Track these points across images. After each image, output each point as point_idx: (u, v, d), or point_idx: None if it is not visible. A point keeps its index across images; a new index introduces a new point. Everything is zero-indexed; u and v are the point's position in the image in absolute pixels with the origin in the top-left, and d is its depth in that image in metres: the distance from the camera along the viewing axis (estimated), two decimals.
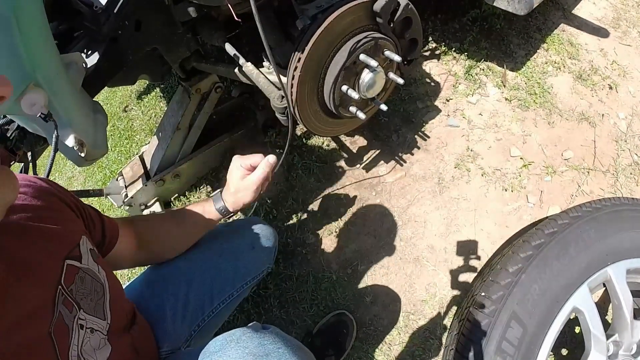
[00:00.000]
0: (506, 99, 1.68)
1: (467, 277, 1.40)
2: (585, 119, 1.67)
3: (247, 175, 0.98)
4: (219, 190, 1.05)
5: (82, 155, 0.98)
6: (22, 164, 1.02)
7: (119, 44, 1.07)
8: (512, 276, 1.14)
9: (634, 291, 1.36)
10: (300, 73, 1.08)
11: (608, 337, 1.18)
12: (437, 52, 1.80)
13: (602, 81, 1.78)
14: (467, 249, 1.43)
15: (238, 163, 0.99)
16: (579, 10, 2.01)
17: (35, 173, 0.82)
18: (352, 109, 1.20)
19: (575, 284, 1.14)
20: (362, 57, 1.11)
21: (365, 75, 1.15)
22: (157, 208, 1.63)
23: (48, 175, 0.81)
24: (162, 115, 1.95)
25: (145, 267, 1.05)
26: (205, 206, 1.00)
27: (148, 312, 0.94)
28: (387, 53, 1.17)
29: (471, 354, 1.10)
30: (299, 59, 1.07)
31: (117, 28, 1.04)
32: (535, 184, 1.53)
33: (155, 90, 2.02)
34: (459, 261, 1.42)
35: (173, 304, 0.97)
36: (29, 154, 1.02)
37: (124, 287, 0.99)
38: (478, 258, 1.42)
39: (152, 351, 0.91)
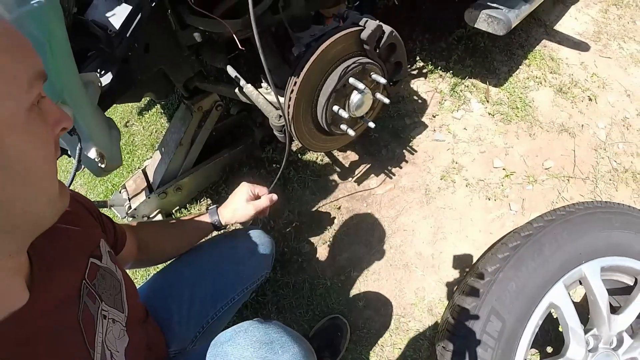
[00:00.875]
0: (489, 114, 1.82)
1: (453, 280, 1.52)
2: (565, 130, 1.81)
3: (250, 200, 1.17)
4: (215, 205, 1.18)
5: (102, 166, 1.09)
6: None
7: (129, 64, 1.18)
8: (490, 275, 1.25)
9: (612, 288, 1.48)
10: (296, 95, 1.21)
11: (587, 331, 1.28)
12: (425, 70, 1.94)
13: (582, 93, 1.92)
14: (452, 254, 1.56)
15: (247, 189, 1.19)
16: (561, 26, 2.15)
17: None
18: (343, 126, 1.33)
19: (551, 282, 1.24)
20: (351, 80, 1.25)
21: (354, 97, 1.29)
22: (159, 218, 1.75)
23: (70, 185, 0.86)
24: (162, 131, 2.08)
25: (150, 270, 1.16)
26: (201, 218, 1.14)
27: (156, 316, 1.02)
28: (374, 76, 1.30)
29: (454, 348, 1.21)
30: (295, 82, 1.20)
31: (128, 50, 1.13)
32: (518, 192, 1.66)
33: (155, 107, 2.15)
34: (445, 266, 1.54)
35: (178, 308, 1.05)
36: None
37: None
38: (463, 264, 1.54)
39: (163, 349, 1.00)
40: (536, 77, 1.94)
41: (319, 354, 1.42)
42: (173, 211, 1.80)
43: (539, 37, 2.10)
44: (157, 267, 1.75)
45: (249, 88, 1.40)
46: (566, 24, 2.18)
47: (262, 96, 1.39)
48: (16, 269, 0.54)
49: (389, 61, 1.37)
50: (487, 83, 1.88)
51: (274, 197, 1.20)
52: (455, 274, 1.53)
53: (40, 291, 0.56)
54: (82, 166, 1.20)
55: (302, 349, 0.84)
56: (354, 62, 1.25)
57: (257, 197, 1.20)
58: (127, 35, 1.09)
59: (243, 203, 1.17)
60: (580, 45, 2.10)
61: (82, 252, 0.71)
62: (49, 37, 0.79)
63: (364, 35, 1.24)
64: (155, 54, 1.24)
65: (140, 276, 1.73)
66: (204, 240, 1.19)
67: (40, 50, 0.78)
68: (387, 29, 1.28)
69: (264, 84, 1.45)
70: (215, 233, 1.20)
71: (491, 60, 1.96)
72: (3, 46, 0.45)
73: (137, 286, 1.12)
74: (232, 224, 1.16)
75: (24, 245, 0.55)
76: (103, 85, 1.12)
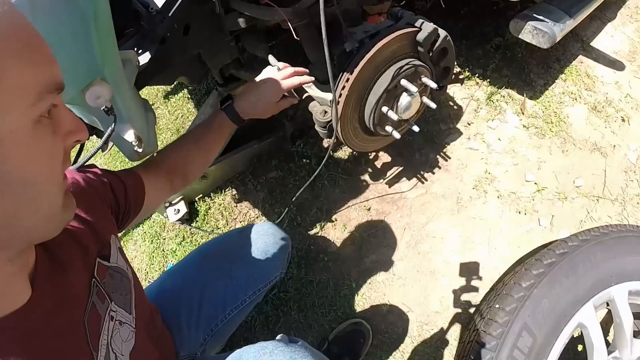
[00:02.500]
0: (524, 126, 1.83)
1: (479, 292, 1.53)
2: (597, 149, 1.82)
3: (276, 99, 1.09)
4: (230, 101, 1.09)
5: (140, 150, 1.04)
6: None
7: (166, 45, 1.14)
8: (524, 290, 1.26)
9: (635, 312, 1.52)
10: (348, 92, 1.22)
11: (609, 353, 1.29)
12: (461, 76, 1.95)
13: (615, 113, 1.93)
14: (480, 266, 1.57)
15: (274, 84, 1.09)
16: (597, 43, 2.16)
17: (77, 159, 0.84)
18: (388, 128, 1.34)
19: (582, 301, 1.26)
20: (403, 82, 1.26)
21: (404, 99, 1.30)
22: (181, 206, 1.74)
23: (86, 163, 0.82)
24: (189, 116, 2.07)
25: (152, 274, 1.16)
26: (220, 122, 1.07)
27: (165, 318, 1.00)
28: (424, 79, 1.31)
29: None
30: (348, 79, 1.21)
31: (168, 30, 1.10)
32: (548, 208, 1.68)
33: (182, 91, 2.14)
34: (472, 277, 1.55)
35: (187, 312, 1.03)
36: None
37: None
38: (490, 275, 1.55)
39: (172, 354, 0.98)
40: (572, 93, 1.96)
41: (339, 358, 1.42)
42: (196, 199, 1.80)
43: (575, 52, 2.11)
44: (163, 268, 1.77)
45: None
46: (602, 41, 2.19)
47: (305, 90, 1.39)
48: (17, 271, 0.52)
49: (439, 65, 1.38)
50: (524, 95, 1.89)
51: (295, 100, 1.15)
52: (482, 285, 1.54)
53: (44, 290, 0.55)
54: (108, 148, 1.18)
55: None
56: (407, 64, 1.26)
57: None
58: (169, 14, 1.07)
59: (268, 101, 1.09)
60: (615, 64, 2.12)
61: (90, 250, 0.69)
62: (94, 9, 0.75)
63: (420, 37, 1.25)
64: (194, 36, 1.21)
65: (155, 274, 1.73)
66: (214, 237, 1.17)
67: (85, 22, 0.76)
68: (442, 32, 1.29)
69: None
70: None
71: (528, 72, 1.98)
72: (12, 50, 0.40)
73: (146, 285, 1.12)
74: (252, 117, 1.09)
75: (24, 251, 0.53)
76: (140, 64, 1.08)
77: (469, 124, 1.82)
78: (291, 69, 1.14)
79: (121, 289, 0.75)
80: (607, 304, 1.33)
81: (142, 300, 0.85)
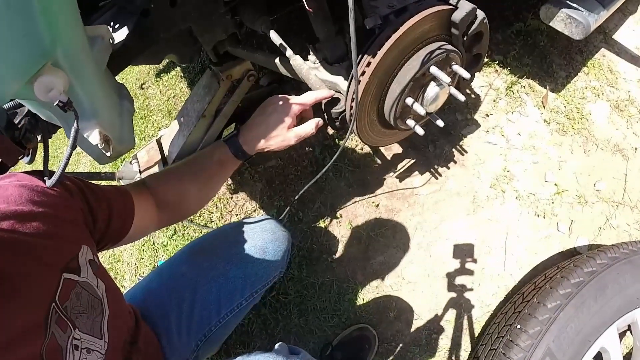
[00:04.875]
0: (545, 121, 1.65)
1: (494, 301, 1.38)
2: (619, 151, 1.66)
3: (291, 125, 0.90)
4: (233, 132, 0.92)
5: (108, 154, 0.82)
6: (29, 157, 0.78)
7: (150, 18, 0.94)
8: (550, 312, 1.15)
9: None
10: (368, 79, 1.00)
11: None
12: None
13: (638, 114, 1.76)
14: (495, 272, 1.41)
15: (288, 110, 0.89)
16: (619, 36, 1.98)
17: (46, 168, 0.65)
18: (410, 122, 1.14)
19: (606, 325, 1.16)
20: (433, 69, 1.05)
21: (431, 89, 1.09)
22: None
23: (60, 177, 0.63)
24: (182, 97, 1.85)
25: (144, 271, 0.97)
26: (220, 154, 0.91)
27: (153, 323, 0.89)
28: (455, 67, 1.11)
29: None
30: (369, 63, 0.99)
31: (150, 1, 0.91)
32: (567, 212, 1.52)
33: (175, 69, 1.90)
34: (486, 284, 1.40)
35: (177, 315, 0.92)
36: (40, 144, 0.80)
37: (127, 291, 0.96)
38: (505, 284, 1.40)
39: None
40: (594, 88, 1.77)
41: None
42: None
43: (597, 45, 1.92)
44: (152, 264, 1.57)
45: (297, 61, 1.17)
46: (624, 35, 2.00)
47: (314, 73, 1.16)
48: None
49: (471, 51, 1.17)
50: (547, 87, 1.69)
51: (320, 121, 0.92)
52: (496, 294, 1.39)
53: None
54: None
55: None
56: (439, 47, 1.05)
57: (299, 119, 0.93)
58: None
59: (280, 129, 0.88)
60: (637, 61, 1.94)
61: (54, 266, 0.58)
62: None
63: (456, 17, 1.03)
64: (183, 7, 1.00)
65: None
66: (207, 231, 1.04)
67: None
68: (480, 14, 1.08)
69: (311, 57, 1.23)
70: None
71: (550, 62, 1.78)
72: None
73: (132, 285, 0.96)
74: (257, 152, 0.91)
75: None
76: (116, 42, 0.88)
77: (488, 115, 1.63)
78: (311, 128, 0.92)
79: (89, 312, 0.63)
80: (630, 326, 1.24)
81: (121, 317, 0.74)
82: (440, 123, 1.17)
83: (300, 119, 0.94)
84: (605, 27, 1.98)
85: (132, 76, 1.95)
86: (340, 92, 1.10)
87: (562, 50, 1.83)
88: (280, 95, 0.93)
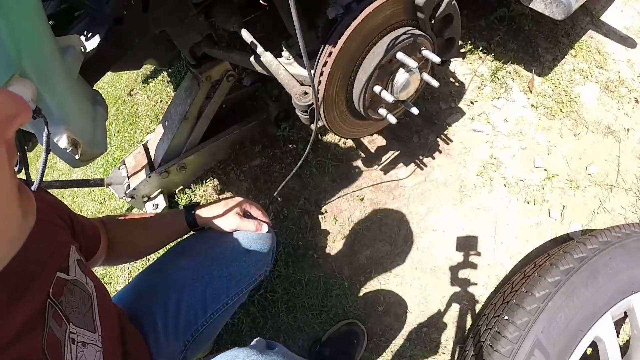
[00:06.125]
0: (532, 106, 1.58)
1: (484, 291, 1.32)
2: (610, 133, 1.58)
3: (238, 214, 0.97)
4: (195, 202, 1.04)
5: (77, 157, 0.85)
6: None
7: (124, 25, 0.95)
8: (538, 302, 1.09)
9: None
10: (330, 69, 0.96)
11: None
12: (463, 50, 1.69)
13: (628, 94, 1.68)
14: (485, 262, 1.34)
15: (241, 204, 0.99)
16: (607, 17, 1.89)
17: (27, 175, 0.67)
18: (382, 111, 1.09)
19: (600, 313, 1.10)
20: (400, 55, 1.00)
21: (400, 76, 1.04)
22: (160, 200, 1.52)
23: (40, 181, 0.66)
24: (168, 101, 1.83)
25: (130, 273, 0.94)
26: (175, 216, 0.99)
27: (139, 324, 0.88)
28: (425, 52, 1.05)
29: None
30: (330, 52, 0.95)
31: (122, 8, 0.91)
32: (558, 197, 1.44)
33: (162, 74, 1.89)
34: (476, 275, 1.33)
35: (164, 316, 0.90)
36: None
37: (114, 294, 0.96)
38: (496, 273, 1.33)
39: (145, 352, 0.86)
40: (582, 70, 1.69)
41: None
42: (176, 191, 1.56)
43: (585, 27, 1.84)
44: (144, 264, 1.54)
45: (267, 57, 1.15)
46: (612, 16, 1.92)
47: (284, 67, 1.12)
48: None
49: (442, 36, 1.11)
50: (533, 71, 1.62)
51: (265, 228, 0.98)
52: (487, 284, 1.33)
53: (1, 321, 0.48)
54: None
55: None
56: (404, 33, 1.00)
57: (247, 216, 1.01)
58: None
59: (228, 212, 0.97)
60: (626, 41, 1.86)
61: (47, 266, 0.60)
62: None
63: (420, 0, 0.97)
64: (156, 13, 1.00)
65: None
66: (194, 233, 1.01)
67: None
68: None
69: (284, 53, 1.20)
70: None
71: (535, 46, 1.71)
72: None
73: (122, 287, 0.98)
74: (207, 226, 0.98)
75: None
76: (88, 50, 0.90)
77: (472, 103, 1.57)
78: (251, 226, 0.98)
79: (80, 307, 0.66)
80: (626, 313, 1.18)
81: (109, 314, 0.74)
82: (414, 110, 1.12)
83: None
84: (592, 8, 1.90)
85: (120, 83, 1.94)
86: (309, 85, 1.06)
87: (548, 34, 1.76)
88: (243, 208, 0.99)
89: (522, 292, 1.11)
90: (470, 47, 1.69)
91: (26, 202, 0.44)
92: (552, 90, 1.62)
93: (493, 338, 1.09)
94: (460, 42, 1.71)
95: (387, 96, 1.01)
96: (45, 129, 0.63)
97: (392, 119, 1.07)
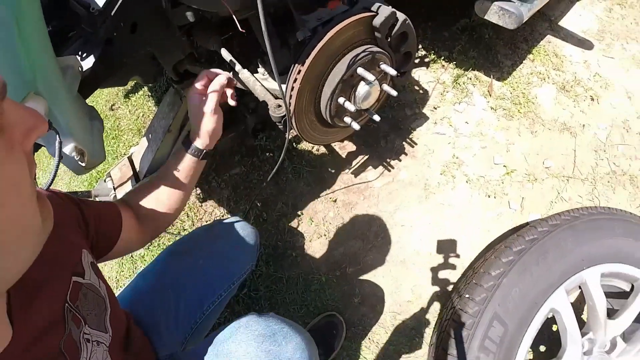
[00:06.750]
0: (492, 108, 1.83)
1: (450, 279, 1.55)
2: (567, 129, 1.84)
3: (210, 108, 1.01)
4: (185, 136, 1.06)
5: (83, 164, 0.99)
6: None
7: (114, 46, 1.10)
8: (494, 279, 1.28)
9: (608, 292, 1.53)
10: (300, 85, 1.19)
11: (583, 335, 1.32)
12: (427, 59, 1.94)
13: (584, 92, 1.95)
14: (450, 252, 1.58)
15: (207, 99, 1.01)
16: (566, 22, 2.17)
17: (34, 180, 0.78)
18: (347, 119, 1.32)
19: (553, 287, 1.28)
20: (360, 70, 1.23)
21: (361, 88, 1.28)
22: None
23: (50, 185, 0.76)
24: (150, 115, 2.03)
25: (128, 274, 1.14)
26: (180, 157, 1.02)
27: (141, 322, 0.99)
28: (383, 66, 1.29)
29: (455, 352, 1.24)
30: (299, 71, 1.19)
31: (113, 30, 1.06)
32: (517, 190, 1.69)
33: (143, 89, 2.09)
34: (443, 264, 1.57)
35: (165, 314, 1.02)
36: None
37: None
38: (461, 261, 1.57)
39: (150, 356, 0.97)
40: (540, 73, 1.96)
41: None
42: None
43: (543, 32, 2.11)
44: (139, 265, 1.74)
45: (245, 74, 1.37)
46: (570, 21, 2.20)
47: (260, 83, 1.36)
48: (1, 313, 0.49)
49: (399, 51, 1.36)
50: (491, 76, 1.89)
51: (221, 79, 1.03)
52: (453, 272, 1.56)
53: (21, 324, 0.52)
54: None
55: (304, 339, 0.87)
56: (363, 51, 1.24)
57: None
58: (112, 13, 1.02)
59: (207, 117, 1.01)
60: (584, 43, 2.13)
61: (63, 271, 0.67)
62: (17, 13, 0.68)
63: (377, 22, 1.22)
64: (142, 34, 1.17)
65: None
66: (183, 236, 1.17)
67: (6, 29, 0.68)
68: (400, 16, 1.26)
69: (260, 70, 1.42)
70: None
71: (495, 53, 1.97)
72: None
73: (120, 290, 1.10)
74: (210, 140, 1.03)
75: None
76: (84, 69, 1.04)
77: (435, 108, 1.82)
78: (214, 99, 1.04)
79: (95, 309, 0.73)
80: (580, 287, 1.34)
81: (117, 315, 0.83)
82: (377, 118, 1.36)
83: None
84: (552, 14, 2.18)
85: (102, 98, 2.14)
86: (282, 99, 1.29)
87: (508, 41, 2.03)
88: (196, 90, 1.03)
89: (480, 273, 1.32)
90: (433, 56, 1.94)
91: (44, 208, 0.47)
92: (511, 93, 1.89)
93: (457, 314, 1.28)
94: (424, 53, 1.98)
95: (349, 106, 1.25)
96: (57, 138, 0.75)
97: (356, 126, 1.31)
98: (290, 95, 1.22)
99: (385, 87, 1.34)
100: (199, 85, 1.02)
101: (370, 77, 1.23)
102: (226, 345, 0.83)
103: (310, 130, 1.36)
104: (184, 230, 1.74)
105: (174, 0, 1.15)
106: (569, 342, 1.28)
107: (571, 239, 1.33)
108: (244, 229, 1.18)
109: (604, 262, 1.34)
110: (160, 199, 1.00)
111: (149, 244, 1.76)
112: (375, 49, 1.27)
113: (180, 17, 1.20)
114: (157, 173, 1.07)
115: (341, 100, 1.26)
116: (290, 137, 1.23)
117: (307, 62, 1.17)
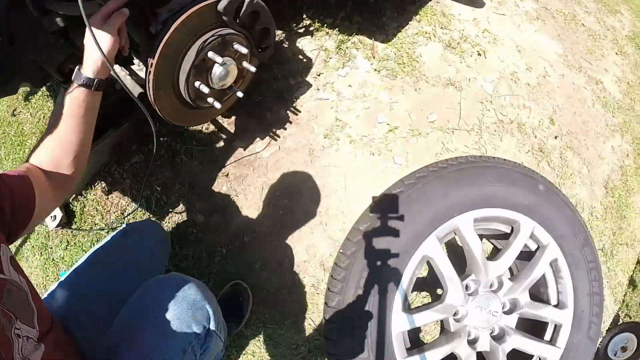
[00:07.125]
0: (375, 70, 2.01)
1: (341, 235, 1.73)
2: (451, 84, 2.02)
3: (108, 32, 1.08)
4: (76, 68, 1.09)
5: None
6: None
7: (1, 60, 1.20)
8: (361, 234, 1.45)
9: (491, 235, 1.71)
10: (154, 76, 1.34)
11: (466, 277, 1.50)
12: (311, 28, 2.08)
13: (471, 48, 2.12)
14: (339, 210, 1.77)
15: (95, 19, 1.07)
16: None
17: None
18: (210, 100, 1.48)
19: (423, 236, 1.44)
20: (210, 54, 1.39)
21: (216, 70, 1.43)
22: (57, 212, 1.83)
23: None
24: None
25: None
26: (72, 96, 1.03)
27: (67, 330, 1.03)
28: (236, 46, 1.45)
29: (334, 304, 1.43)
30: (152, 63, 1.34)
31: None
32: (402, 146, 1.88)
33: (41, 89, 2.20)
34: (333, 222, 1.76)
35: (87, 324, 1.08)
36: None
37: None
38: (350, 218, 1.75)
39: (75, 349, 1.01)
40: (425, 33, 2.12)
41: (225, 320, 1.59)
42: (70, 200, 1.91)
43: None
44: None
45: (115, 68, 1.51)
46: None
47: (130, 76, 1.51)
48: None
49: (254, 28, 1.51)
50: (373, 39, 2.05)
51: (125, 12, 1.12)
52: (342, 229, 1.75)
53: None
54: None
55: (200, 284, 1.05)
56: (212, 35, 1.39)
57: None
58: None
59: (105, 37, 1.06)
60: (475, 2, 2.27)
61: None
62: None
63: (220, 7, 1.34)
64: (21, 44, 1.27)
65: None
66: (102, 244, 1.25)
67: None
68: None
69: (135, 61, 1.58)
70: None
71: (381, 16, 2.12)
72: None
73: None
74: (101, 68, 1.08)
75: None
76: None
77: (319, 75, 1.98)
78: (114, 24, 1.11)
79: (20, 304, 0.76)
80: (455, 232, 1.51)
81: (43, 310, 0.86)
82: (240, 94, 1.52)
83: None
84: None
85: (3, 105, 2.23)
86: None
87: (395, 3, 2.15)
88: (100, 13, 1.10)
89: (352, 229, 1.50)
90: (318, 24, 2.08)
91: None
92: (395, 53, 2.05)
93: (333, 270, 1.47)
94: (309, 22, 2.12)
95: (204, 89, 1.40)
96: None
97: (217, 105, 1.45)
98: (149, 88, 1.38)
99: (245, 64, 1.50)
100: (104, 9, 1.10)
101: (219, 59, 1.39)
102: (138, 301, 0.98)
103: (182, 116, 1.52)
104: (95, 224, 1.87)
105: (43, 8, 1.24)
106: (448, 284, 1.44)
107: (439, 189, 1.47)
108: (159, 234, 1.37)
109: (475, 208, 1.48)
110: (63, 147, 1.01)
111: (67, 244, 1.90)
112: (225, 31, 1.42)
113: (52, 23, 1.30)
114: (51, 120, 1.07)
115: (197, 84, 1.42)
116: (154, 130, 1.37)
117: (157, 54, 1.32)
